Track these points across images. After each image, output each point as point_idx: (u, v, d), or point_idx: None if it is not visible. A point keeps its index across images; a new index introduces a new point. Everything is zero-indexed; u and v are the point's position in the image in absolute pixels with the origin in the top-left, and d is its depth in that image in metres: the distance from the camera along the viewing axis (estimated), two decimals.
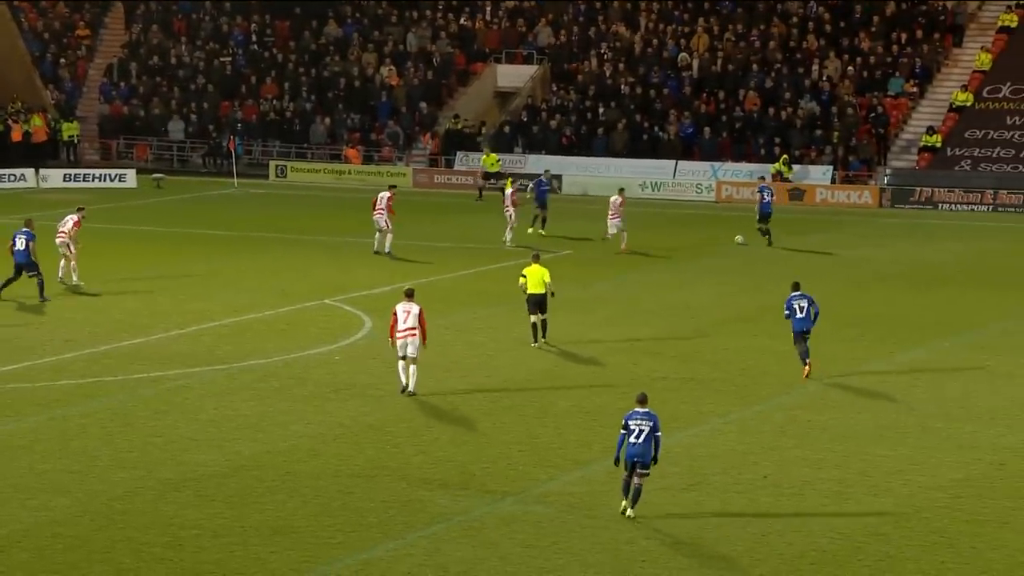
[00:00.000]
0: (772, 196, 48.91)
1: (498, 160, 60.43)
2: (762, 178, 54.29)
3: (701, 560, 20.95)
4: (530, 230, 48.86)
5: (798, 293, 31.04)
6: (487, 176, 60.04)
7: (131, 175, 62.50)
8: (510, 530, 21.85)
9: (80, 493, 23.12)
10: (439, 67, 68.91)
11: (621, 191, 47.44)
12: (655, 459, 22.45)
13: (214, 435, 26.30)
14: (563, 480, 24.13)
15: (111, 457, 24.91)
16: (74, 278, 38.80)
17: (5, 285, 36.99)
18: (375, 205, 45.03)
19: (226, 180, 62.39)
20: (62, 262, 39.07)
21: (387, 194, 45.44)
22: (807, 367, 30.44)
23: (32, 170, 62.11)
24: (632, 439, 22.24)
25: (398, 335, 28.61)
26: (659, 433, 22.45)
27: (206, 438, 26.11)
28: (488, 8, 71.16)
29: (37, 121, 67.71)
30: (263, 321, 35.81)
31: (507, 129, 65.38)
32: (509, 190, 48.15)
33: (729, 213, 56.80)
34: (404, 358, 28.70)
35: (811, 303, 30.78)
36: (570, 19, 69.74)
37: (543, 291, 33.01)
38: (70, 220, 39.31)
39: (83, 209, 40.91)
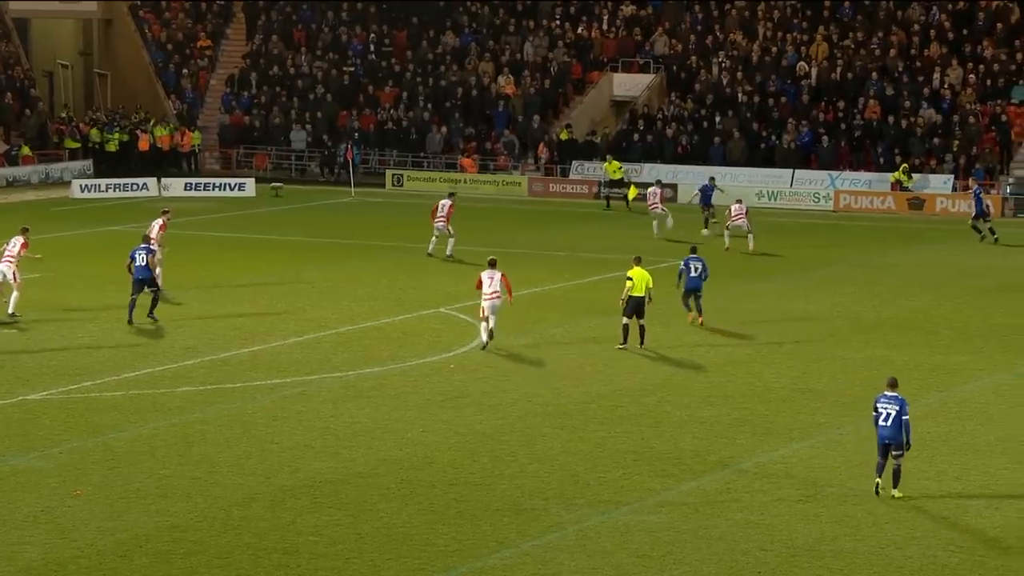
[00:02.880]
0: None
1: (621, 167, 60.26)
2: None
3: (817, 572, 20.75)
4: (704, 232, 49.32)
5: (694, 256, 36.06)
6: (611, 184, 59.91)
7: (250, 184, 63.23)
8: (624, 540, 21.79)
9: (200, 498, 23.41)
10: (555, 76, 69.00)
11: (739, 202, 47.83)
12: (907, 443, 23.32)
13: (330, 442, 26.52)
14: (678, 490, 24.03)
15: (230, 463, 25.19)
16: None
17: (132, 308, 36.27)
18: (435, 213, 45.30)
19: (343, 189, 62.91)
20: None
21: (448, 202, 45.75)
22: (700, 317, 35.62)
23: (154, 179, 63.05)
24: (881, 421, 23.33)
25: (484, 298, 32.82)
26: (906, 416, 23.38)
27: (323, 445, 26.32)
28: (605, 17, 71.13)
29: (161, 131, 68.75)
30: (379, 329, 36.05)
31: (622, 138, 65.24)
32: (652, 189, 50.73)
33: (847, 222, 56.30)
34: (487, 319, 32.78)
35: (704, 266, 35.80)
36: (687, 27, 69.51)
37: (644, 294, 33.01)
38: (156, 224, 39.81)
39: (168, 212, 41.49)
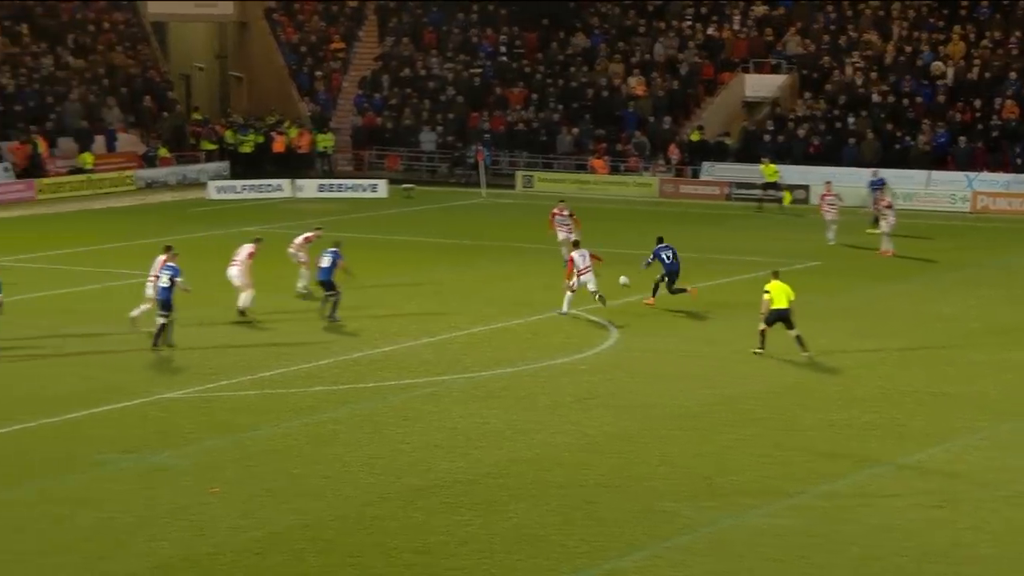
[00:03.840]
0: None
1: (777, 170, 59.59)
2: None
3: None
4: (869, 231, 48.82)
5: (664, 244, 38.34)
6: (766, 186, 59.37)
7: (382, 185, 63.69)
8: (756, 543, 21.64)
9: (332, 497, 23.63)
10: (686, 77, 68.71)
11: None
12: None
13: (461, 442, 26.63)
14: (810, 493, 23.81)
15: (361, 463, 25.40)
16: (299, 285, 39.50)
17: (334, 307, 36.49)
18: (555, 220, 44.28)
19: (474, 190, 63.16)
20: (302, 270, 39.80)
21: (561, 210, 44.34)
22: (693, 289, 38.52)
23: (288, 181, 63.79)
24: None
25: (579, 274, 37.07)
26: None
27: (453, 445, 26.45)
28: (736, 17, 70.69)
29: (295, 132, 69.53)
30: (509, 330, 36.13)
31: (752, 138, 64.81)
32: (823, 192, 49.81)
33: (985, 224, 55.43)
34: (574, 290, 37.03)
35: (675, 253, 38.09)
36: (820, 28, 68.85)
37: (788, 306, 32.61)
38: (300, 237, 39.98)
39: (320, 229, 41.42)
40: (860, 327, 36.38)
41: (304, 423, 27.90)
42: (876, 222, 49.43)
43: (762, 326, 32.91)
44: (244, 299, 37.10)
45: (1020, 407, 29.02)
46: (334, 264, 37.01)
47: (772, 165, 59.56)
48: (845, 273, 44.18)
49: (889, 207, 47.68)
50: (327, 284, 36.91)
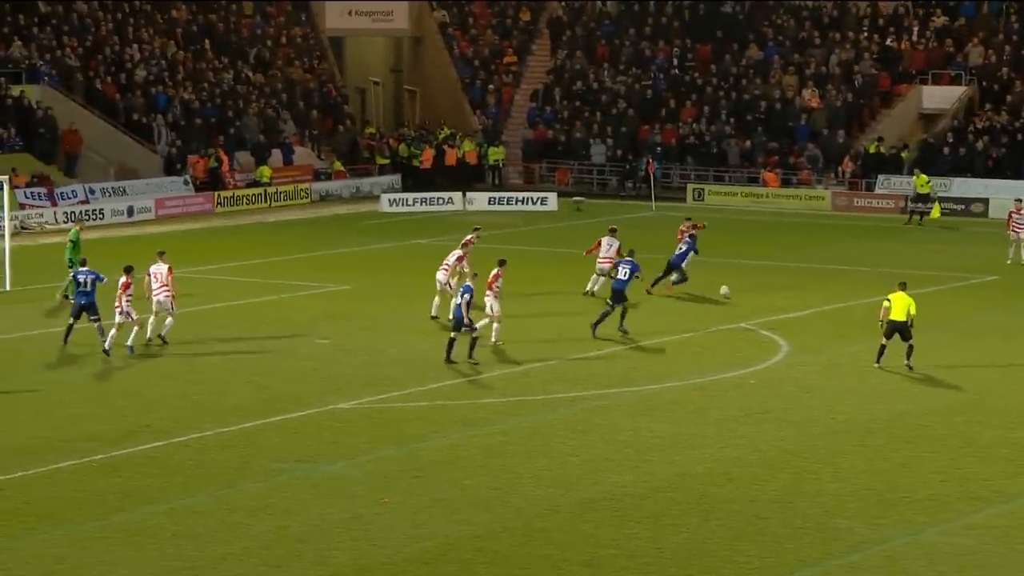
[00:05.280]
0: None
1: (928, 182, 58.72)
2: None
3: None
4: None
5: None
6: (918, 199, 58.49)
7: (552, 198, 63.83)
8: (931, 562, 21.26)
9: (501, 509, 23.71)
10: (861, 88, 67.83)
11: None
12: None
13: (630, 455, 26.56)
14: (988, 512, 23.32)
15: (531, 474, 25.46)
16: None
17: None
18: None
19: (644, 203, 63.00)
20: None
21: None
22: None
23: (459, 193, 64.27)
24: None
25: (600, 261, 39.58)
26: None
27: (622, 458, 26.39)
28: (915, 28, 69.58)
29: (468, 146, 70.05)
30: (679, 343, 35.96)
31: (930, 151, 63.72)
32: (1012, 209, 47.72)
33: None
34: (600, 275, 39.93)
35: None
36: (1002, 38, 67.49)
37: (905, 319, 32.11)
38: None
39: (479, 229, 42.14)
40: None
41: (473, 434, 28.05)
42: None
43: (883, 340, 32.37)
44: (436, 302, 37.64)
45: None
46: (632, 275, 36.52)
47: (923, 176, 58.62)
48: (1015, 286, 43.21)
49: None
50: (621, 295, 36.36)
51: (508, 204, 63.77)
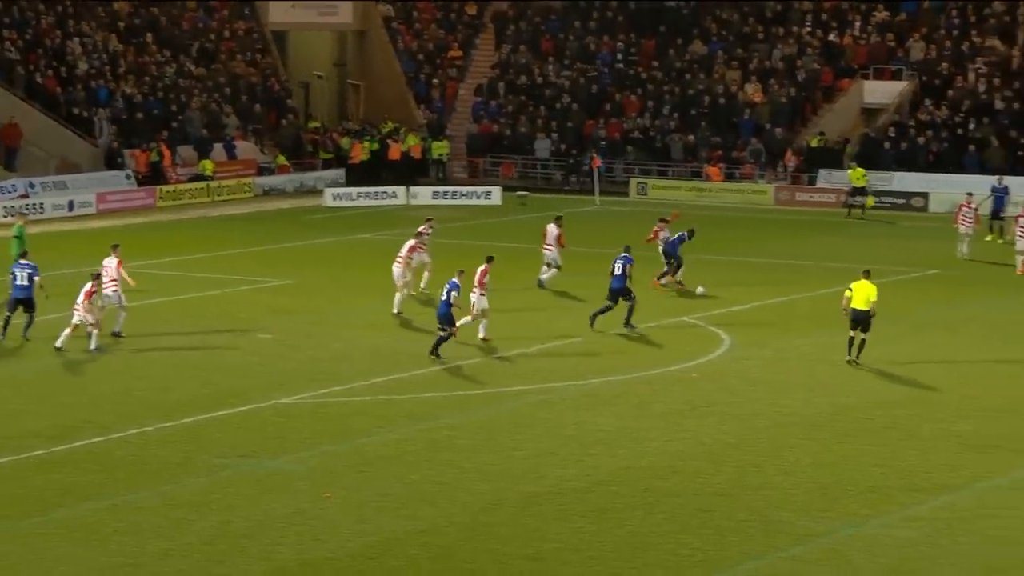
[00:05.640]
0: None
1: (864, 175, 59.16)
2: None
3: None
4: (987, 239, 48.09)
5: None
6: (854, 192, 58.89)
7: (496, 192, 63.81)
8: (873, 554, 21.37)
9: (446, 503, 23.67)
10: (804, 83, 68.13)
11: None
12: None
13: (575, 449, 26.57)
14: (930, 505, 23.47)
15: (476, 469, 25.43)
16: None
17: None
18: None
19: (588, 197, 63.07)
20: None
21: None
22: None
23: (403, 188, 64.14)
24: None
25: (545, 248, 40.54)
26: None
27: (567, 452, 26.40)
28: (857, 23, 69.94)
29: (413, 140, 69.91)
30: (622, 337, 36.00)
31: (872, 145, 64.09)
32: (962, 203, 47.70)
33: None
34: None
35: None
36: (943, 33, 67.95)
37: (867, 308, 32.16)
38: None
39: (431, 220, 42.47)
40: (984, 336, 35.83)
41: (419, 429, 28.00)
42: (998, 230, 48.66)
43: (850, 332, 32.42)
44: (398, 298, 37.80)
45: None
46: (627, 270, 36.36)
47: (859, 170, 59.01)
48: (968, 283, 43.54)
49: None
50: (623, 292, 36.17)
51: (452, 198, 63.71)
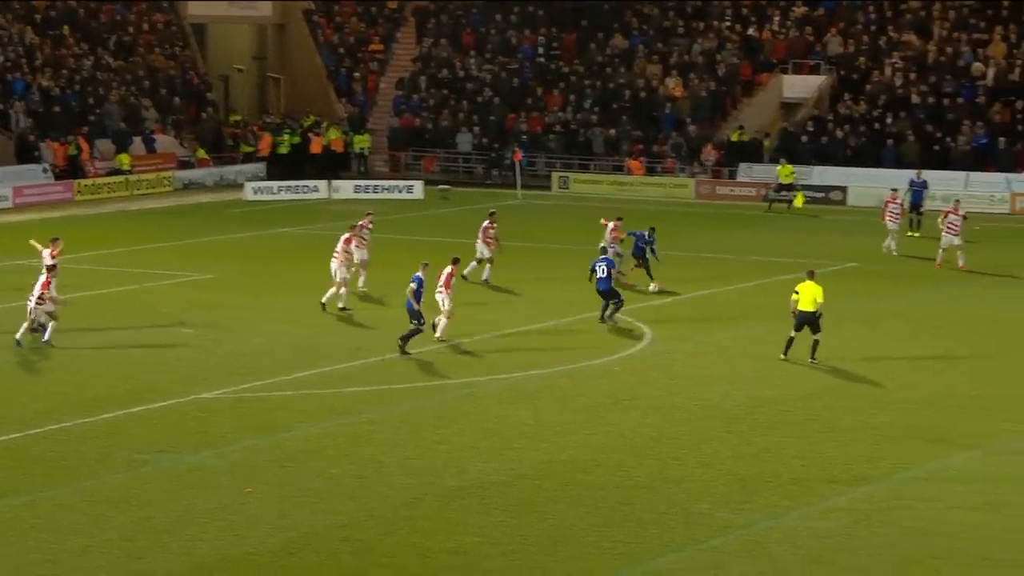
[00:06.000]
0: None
1: (793, 172, 59.41)
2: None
3: None
4: (908, 234, 48.40)
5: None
6: (780, 188, 59.18)
7: (418, 186, 63.74)
8: (792, 545, 21.54)
9: (367, 498, 23.63)
10: (724, 78, 68.52)
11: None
12: None
13: (496, 444, 26.60)
14: (848, 496, 23.68)
15: (397, 463, 25.40)
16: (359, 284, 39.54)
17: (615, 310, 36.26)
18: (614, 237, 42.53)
19: (510, 191, 63.12)
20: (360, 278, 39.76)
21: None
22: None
23: (325, 182, 63.90)
24: None
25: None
26: None
27: (489, 447, 26.41)
28: (776, 18, 70.42)
29: (334, 134, 69.66)
30: (546, 331, 36.07)
31: (790, 139, 64.56)
32: (888, 199, 48.12)
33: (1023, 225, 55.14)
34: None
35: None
36: (860, 28, 68.55)
37: (814, 309, 32.08)
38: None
39: (370, 214, 42.15)
40: (902, 329, 36.18)
41: (340, 423, 27.92)
42: (916, 224, 49.11)
43: (792, 332, 32.33)
44: (342, 293, 37.56)
45: None
46: (611, 271, 36.47)
47: (788, 166, 59.35)
48: (885, 276, 43.96)
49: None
50: (610, 293, 36.16)
51: (374, 192, 63.57)
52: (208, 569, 20.71)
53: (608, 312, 36.37)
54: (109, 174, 63.43)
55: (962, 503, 23.19)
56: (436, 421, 28.07)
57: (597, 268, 36.47)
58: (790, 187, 58.88)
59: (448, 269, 35.06)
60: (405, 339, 33.31)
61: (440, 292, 34.65)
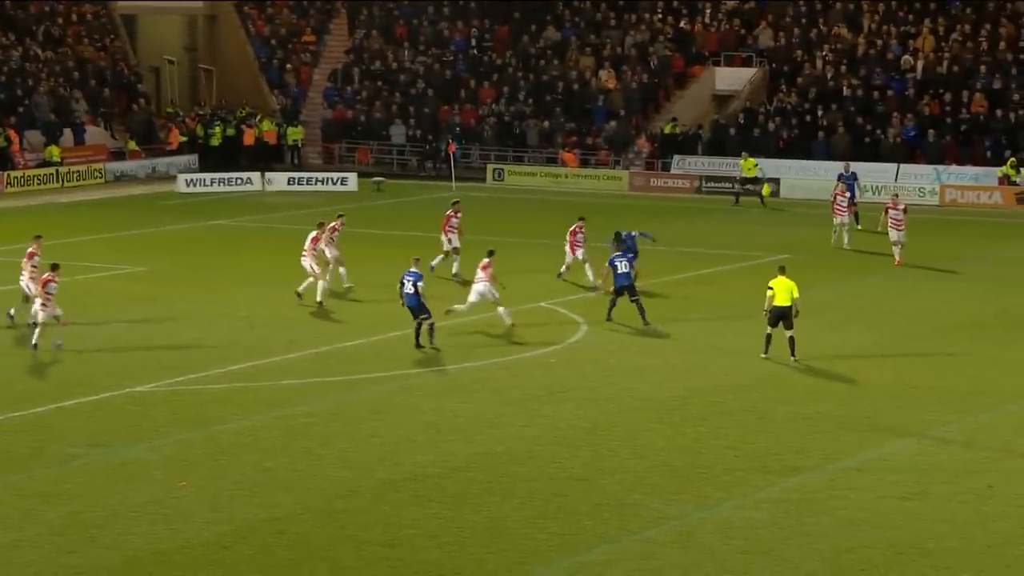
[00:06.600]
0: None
1: (756, 165, 59.37)
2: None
3: (923, 571, 20.51)
4: (858, 227, 48.81)
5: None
6: (745, 181, 59.18)
7: (352, 178, 63.57)
8: (726, 536, 21.67)
9: (302, 491, 23.57)
10: (656, 70, 68.74)
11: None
12: None
13: (431, 436, 26.60)
14: (780, 487, 23.85)
15: (332, 456, 25.35)
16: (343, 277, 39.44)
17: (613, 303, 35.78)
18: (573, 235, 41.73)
19: (444, 183, 63.08)
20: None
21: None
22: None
23: (258, 174, 63.62)
24: None
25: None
26: None
27: (424, 439, 26.41)
28: (707, 11, 70.73)
29: (267, 125, 69.35)
30: (480, 323, 36.09)
31: (721, 131, 64.88)
32: (835, 192, 48.28)
33: (953, 217, 55.60)
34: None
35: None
36: (791, 21, 68.96)
37: (789, 304, 31.90)
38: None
39: (342, 216, 41.38)
40: (831, 321, 36.42)
41: (275, 416, 27.83)
42: (852, 217, 49.29)
43: (768, 330, 32.17)
44: (320, 287, 37.31)
45: (990, 401, 29.11)
46: (632, 265, 36.01)
47: (751, 160, 59.39)
48: (814, 267, 44.18)
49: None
50: (630, 289, 35.46)
51: (308, 184, 63.36)
52: (141, 563, 20.60)
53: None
54: (39, 166, 62.87)
55: (893, 493, 23.40)
56: (371, 414, 28.04)
57: (618, 264, 35.73)
58: (755, 180, 58.78)
59: (485, 261, 35.31)
60: (430, 335, 32.76)
61: (480, 282, 34.67)
